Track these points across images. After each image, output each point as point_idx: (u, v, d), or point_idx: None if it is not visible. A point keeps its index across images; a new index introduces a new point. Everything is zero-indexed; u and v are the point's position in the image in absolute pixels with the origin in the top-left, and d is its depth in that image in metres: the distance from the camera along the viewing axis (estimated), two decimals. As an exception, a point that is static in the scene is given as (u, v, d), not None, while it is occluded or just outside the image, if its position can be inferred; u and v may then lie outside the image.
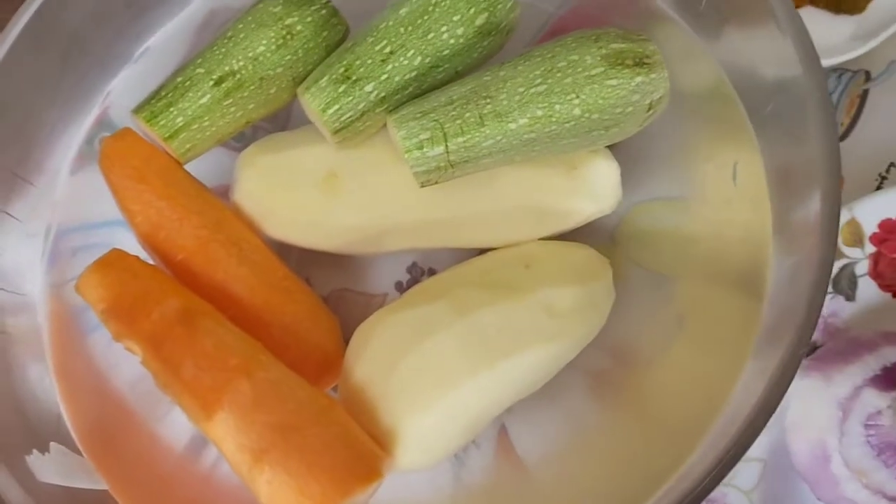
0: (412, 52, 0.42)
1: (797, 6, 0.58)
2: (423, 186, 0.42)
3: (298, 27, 0.44)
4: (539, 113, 0.40)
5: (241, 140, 0.50)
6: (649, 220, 0.47)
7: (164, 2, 0.53)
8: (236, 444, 0.37)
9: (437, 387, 0.40)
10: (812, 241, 0.36)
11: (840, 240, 0.50)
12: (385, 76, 0.42)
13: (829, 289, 0.50)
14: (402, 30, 0.42)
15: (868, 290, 0.50)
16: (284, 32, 0.44)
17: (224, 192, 0.47)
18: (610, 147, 0.44)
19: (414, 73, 0.42)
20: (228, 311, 0.42)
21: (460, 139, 0.40)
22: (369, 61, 0.42)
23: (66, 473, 0.42)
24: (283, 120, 0.51)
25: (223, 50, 0.44)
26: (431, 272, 0.49)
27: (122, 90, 0.52)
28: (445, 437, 0.41)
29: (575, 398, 0.45)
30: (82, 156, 0.51)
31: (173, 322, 0.39)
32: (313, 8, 0.45)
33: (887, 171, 0.56)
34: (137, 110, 0.44)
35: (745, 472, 0.48)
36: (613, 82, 0.40)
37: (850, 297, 0.50)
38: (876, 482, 0.44)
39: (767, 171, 0.42)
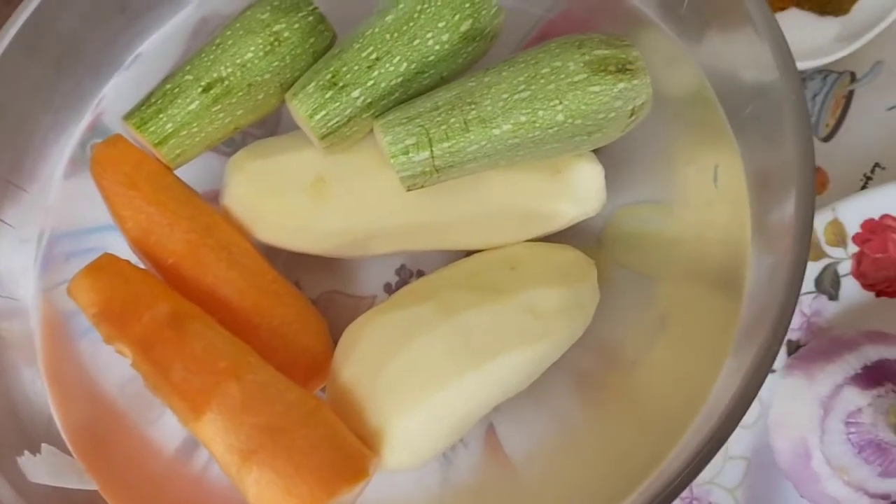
0: (398, 58, 0.42)
1: (783, 8, 0.59)
2: (409, 190, 0.42)
3: (286, 34, 0.45)
4: (523, 119, 0.41)
5: (231, 145, 0.51)
6: (634, 223, 0.47)
7: (156, 8, 0.53)
8: (225, 445, 0.38)
9: (424, 388, 0.40)
10: (787, 241, 0.36)
11: (823, 240, 0.50)
12: (371, 82, 0.43)
13: (813, 288, 0.50)
14: (387, 36, 0.43)
15: (851, 289, 0.50)
16: (272, 39, 0.44)
17: (214, 197, 0.47)
18: (594, 150, 0.44)
19: (400, 79, 0.43)
20: (218, 314, 0.43)
21: (445, 144, 0.41)
22: (356, 67, 0.43)
23: (56, 474, 0.43)
24: (272, 125, 0.52)
25: (211, 57, 0.45)
26: (420, 274, 0.50)
27: (114, 96, 0.52)
28: (432, 437, 0.41)
29: (561, 397, 0.46)
30: (75, 161, 0.51)
31: (163, 325, 0.40)
32: (300, 15, 0.45)
33: (872, 171, 0.57)
34: (128, 117, 0.45)
35: (730, 471, 0.49)
36: (596, 88, 0.40)
37: (833, 297, 0.50)
38: (857, 479, 0.45)
39: (747, 174, 0.43)
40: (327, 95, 0.42)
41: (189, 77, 0.45)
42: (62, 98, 0.51)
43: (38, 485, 0.41)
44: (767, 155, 0.41)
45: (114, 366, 0.44)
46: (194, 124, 0.45)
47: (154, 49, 0.53)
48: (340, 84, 0.42)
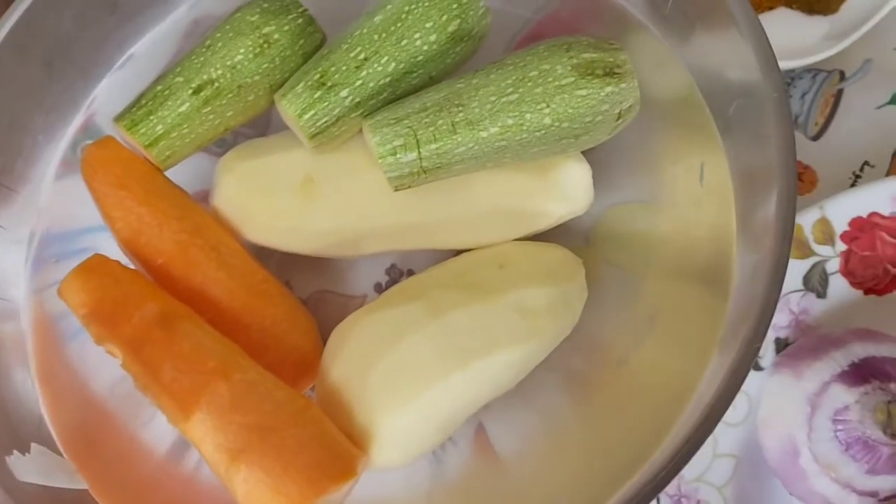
0: (386, 58, 0.43)
1: (771, 7, 0.59)
2: (396, 191, 0.42)
3: (276, 36, 0.45)
4: (510, 121, 0.41)
5: (222, 145, 0.51)
6: (623, 222, 0.48)
7: (148, 9, 0.53)
8: (214, 445, 0.38)
9: (412, 386, 0.41)
10: (770, 239, 0.37)
11: (811, 238, 0.50)
12: (360, 82, 0.43)
13: (801, 286, 0.50)
14: (375, 37, 0.43)
15: (839, 287, 0.50)
16: (262, 41, 0.45)
17: (204, 197, 0.47)
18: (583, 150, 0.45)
19: (388, 79, 0.43)
20: (208, 314, 0.43)
21: (433, 146, 0.41)
22: (344, 67, 0.43)
23: (46, 473, 0.43)
24: (262, 126, 0.52)
25: (202, 59, 0.45)
26: (410, 273, 0.50)
27: (106, 97, 0.53)
28: (421, 435, 0.42)
29: (550, 395, 0.46)
30: (67, 162, 0.51)
31: (152, 325, 0.40)
32: (290, 17, 0.45)
33: (861, 169, 0.57)
34: (118, 119, 0.45)
35: (719, 468, 0.49)
36: (583, 92, 0.40)
37: (821, 295, 0.51)
38: (844, 476, 0.45)
39: (732, 173, 0.43)
40: (316, 95, 0.43)
41: (179, 79, 0.45)
42: (53, 99, 0.51)
43: (27, 484, 0.42)
44: (752, 154, 0.42)
45: (104, 367, 0.44)
46: (185, 126, 0.45)
47: (146, 50, 0.54)
48: (329, 84, 0.43)
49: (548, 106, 0.41)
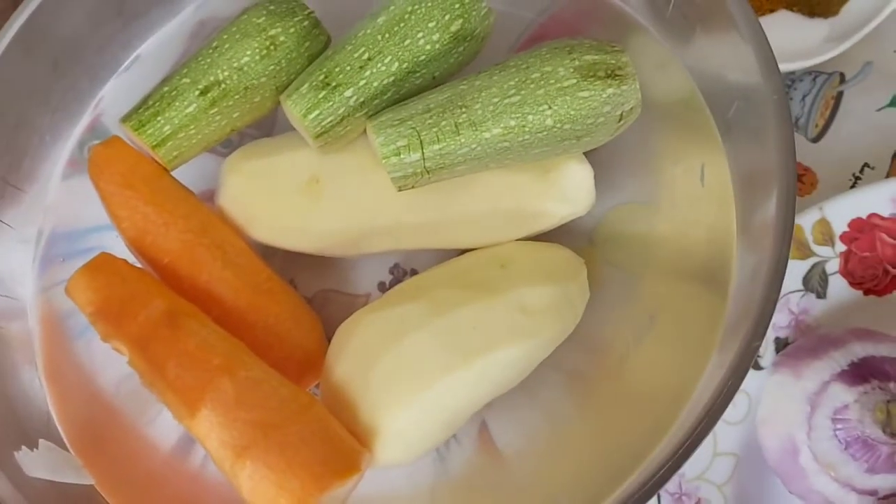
0: (389, 58, 0.43)
1: (772, 10, 0.59)
2: (400, 191, 0.43)
3: (282, 38, 0.45)
4: (512, 123, 0.41)
5: (228, 146, 0.51)
6: (625, 223, 0.48)
7: (154, 10, 0.54)
8: (219, 441, 0.38)
9: (415, 384, 0.41)
10: (769, 240, 0.37)
11: (811, 239, 0.51)
12: (364, 82, 0.43)
13: (801, 286, 0.51)
14: (379, 37, 0.43)
15: (838, 287, 0.51)
16: (268, 43, 0.45)
17: (210, 197, 0.48)
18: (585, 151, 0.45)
19: (392, 79, 0.43)
20: (213, 312, 0.43)
21: (436, 147, 0.41)
22: (348, 68, 0.43)
23: (54, 469, 0.43)
24: (268, 127, 0.52)
25: (208, 60, 0.45)
26: (413, 272, 0.50)
27: (113, 97, 0.53)
28: (424, 433, 0.42)
29: (552, 394, 0.46)
30: (74, 162, 0.52)
31: (158, 323, 0.41)
32: (296, 19, 0.46)
33: (861, 171, 0.57)
34: (125, 119, 0.46)
35: (719, 467, 0.49)
36: (585, 94, 0.41)
37: (820, 295, 0.51)
38: (844, 475, 0.45)
39: (732, 174, 0.44)
40: (321, 95, 0.43)
41: (186, 80, 0.45)
42: (60, 99, 0.51)
43: (35, 479, 0.42)
44: (752, 155, 0.42)
45: (111, 364, 0.45)
46: (192, 126, 0.45)
47: (152, 51, 0.54)
48: (333, 84, 0.43)
49: (550, 107, 0.41)
